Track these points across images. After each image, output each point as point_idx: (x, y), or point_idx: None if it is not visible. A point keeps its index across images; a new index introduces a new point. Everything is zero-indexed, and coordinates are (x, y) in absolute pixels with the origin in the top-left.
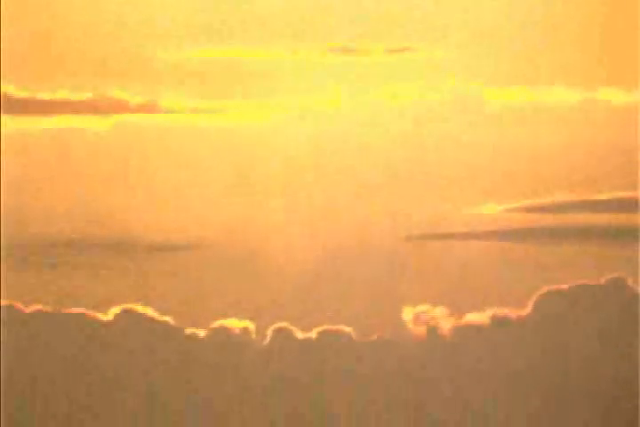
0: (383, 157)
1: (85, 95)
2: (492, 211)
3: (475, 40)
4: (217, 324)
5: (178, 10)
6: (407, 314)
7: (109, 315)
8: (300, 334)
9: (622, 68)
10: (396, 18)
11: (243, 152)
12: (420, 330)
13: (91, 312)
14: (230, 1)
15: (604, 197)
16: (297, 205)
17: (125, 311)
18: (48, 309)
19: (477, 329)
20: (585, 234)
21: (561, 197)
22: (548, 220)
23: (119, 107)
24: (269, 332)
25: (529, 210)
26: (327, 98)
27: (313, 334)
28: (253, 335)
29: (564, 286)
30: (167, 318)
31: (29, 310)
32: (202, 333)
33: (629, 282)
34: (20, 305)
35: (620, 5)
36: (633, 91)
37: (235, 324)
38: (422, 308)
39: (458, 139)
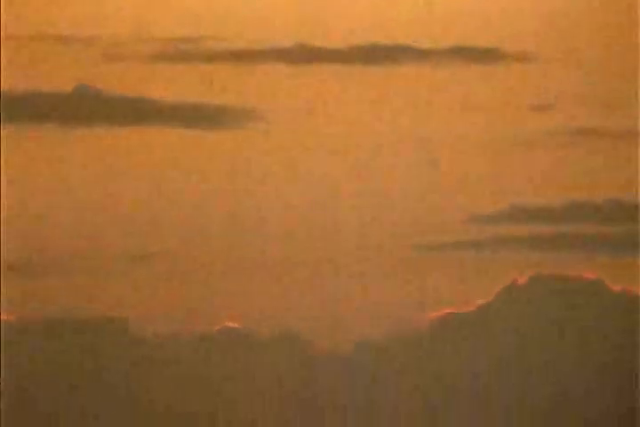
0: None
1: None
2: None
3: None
4: (197, 331)
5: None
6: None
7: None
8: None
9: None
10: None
11: (225, 161)
12: None
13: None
14: (219, 9)
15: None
16: (291, 213)
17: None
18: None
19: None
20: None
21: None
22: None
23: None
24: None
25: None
26: (322, 107)
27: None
28: (240, 341)
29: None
30: (147, 327)
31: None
32: (181, 340)
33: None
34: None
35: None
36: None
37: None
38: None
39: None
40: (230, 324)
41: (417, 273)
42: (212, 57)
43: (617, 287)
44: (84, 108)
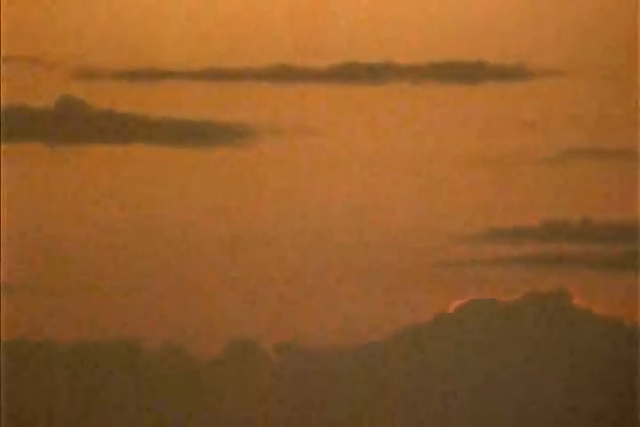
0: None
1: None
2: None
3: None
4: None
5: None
6: None
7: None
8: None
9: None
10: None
11: (213, 178)
12: None
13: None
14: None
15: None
16: (279, 229)
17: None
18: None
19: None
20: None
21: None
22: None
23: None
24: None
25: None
26: (306, 124)
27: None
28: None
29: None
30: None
31: None
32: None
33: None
34: None
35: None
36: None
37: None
38: None
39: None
40: (238, 339)
41: (400, 290)
42: (197, 74)
43: (600, 307)
44: (70, 125)
